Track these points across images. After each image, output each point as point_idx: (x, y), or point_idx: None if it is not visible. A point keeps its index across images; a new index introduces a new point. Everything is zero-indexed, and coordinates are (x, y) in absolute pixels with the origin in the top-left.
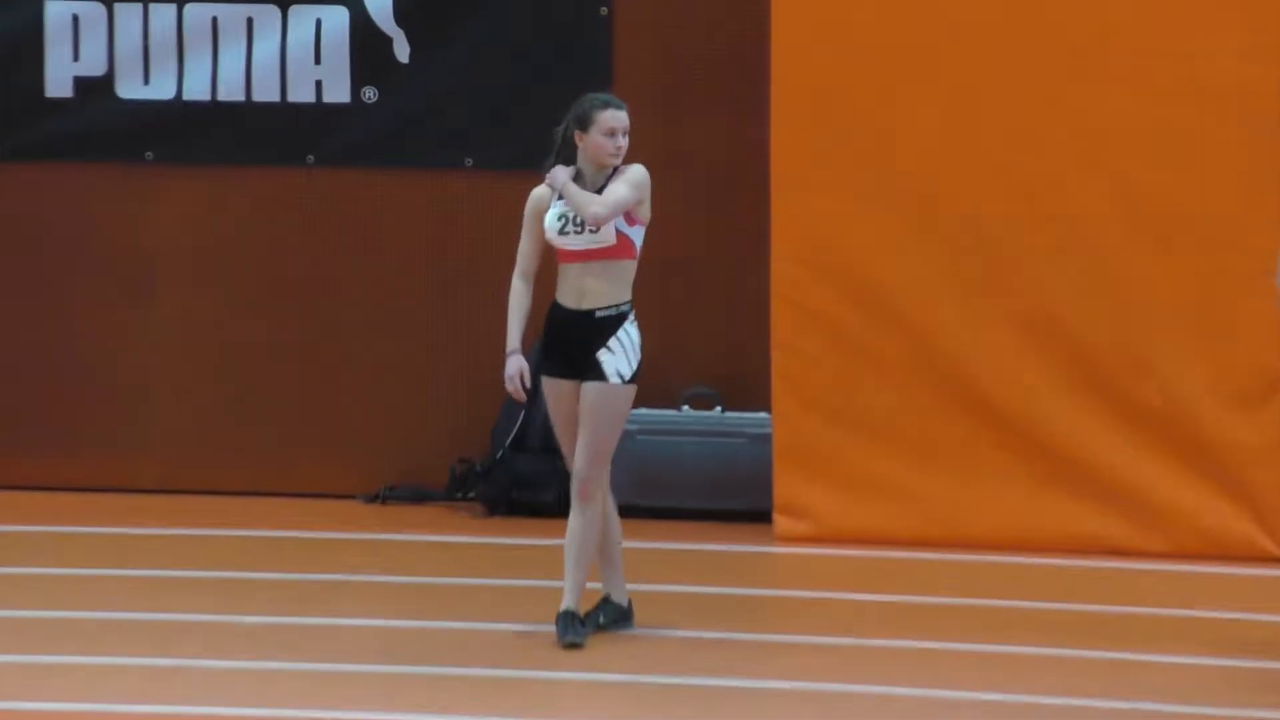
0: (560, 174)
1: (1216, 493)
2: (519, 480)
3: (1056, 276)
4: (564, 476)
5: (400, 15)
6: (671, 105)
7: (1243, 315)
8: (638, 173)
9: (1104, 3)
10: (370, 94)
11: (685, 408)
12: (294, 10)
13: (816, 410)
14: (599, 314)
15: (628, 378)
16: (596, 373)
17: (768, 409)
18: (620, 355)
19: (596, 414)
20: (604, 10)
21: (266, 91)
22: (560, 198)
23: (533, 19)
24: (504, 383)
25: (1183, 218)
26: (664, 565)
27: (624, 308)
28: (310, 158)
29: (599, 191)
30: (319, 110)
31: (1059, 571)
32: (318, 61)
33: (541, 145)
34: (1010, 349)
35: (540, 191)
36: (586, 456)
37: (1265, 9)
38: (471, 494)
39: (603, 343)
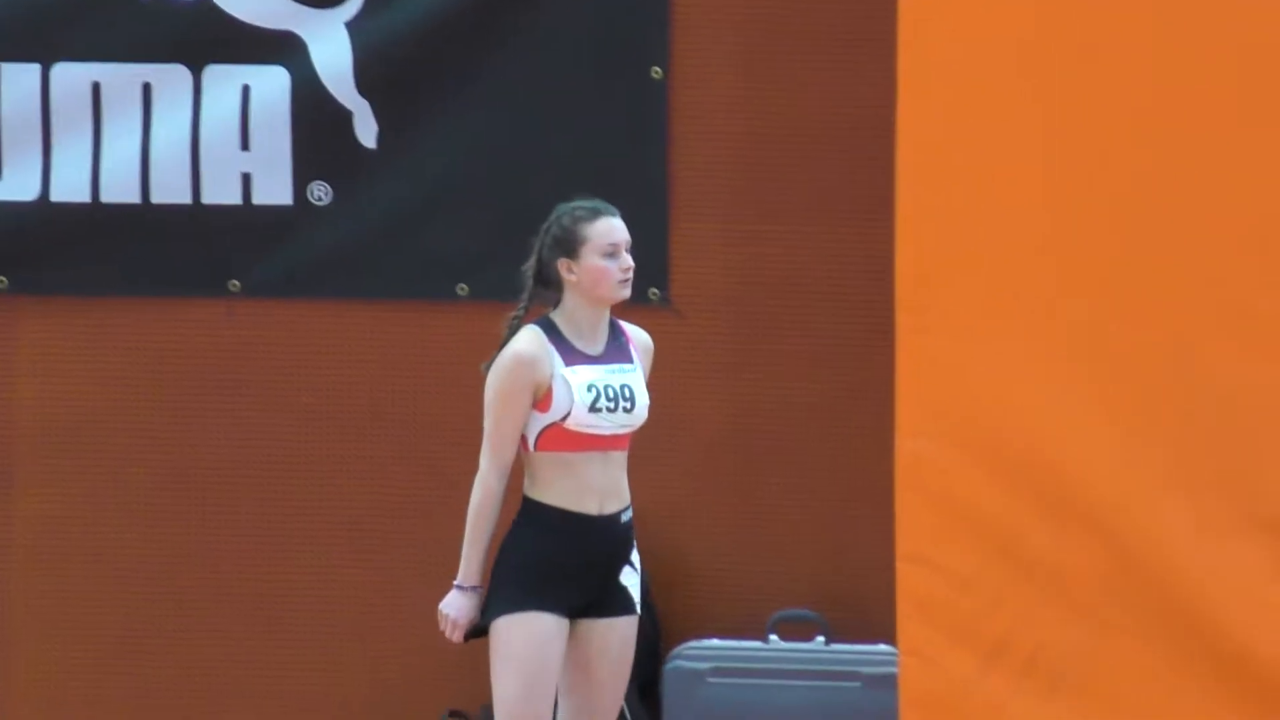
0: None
1: None
2: None
3: None
4: None
5: (365, 81)
6: (748, 205)
7: None
8: (650, 346)
9: None
10: (321, 193)
11: (774, 637)
12: (211, 72)
13: (964, 647)
14: (624, 518)
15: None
16: (622, 603)
17: (891, 640)
18: (637, 575)
19: (626, 663)
20: (657, 72)
21: (171, 189)
22: (565, 359)
23: (558, 85)
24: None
25: None
26: None
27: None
28: (234, 284)
29: (606, 355)
30: (248, 216)
31: None
32: (245, 146)
33: None
34: (1267, 572)
35: (533, 350)
36: None
37: None
38: None
39: (625, 559)
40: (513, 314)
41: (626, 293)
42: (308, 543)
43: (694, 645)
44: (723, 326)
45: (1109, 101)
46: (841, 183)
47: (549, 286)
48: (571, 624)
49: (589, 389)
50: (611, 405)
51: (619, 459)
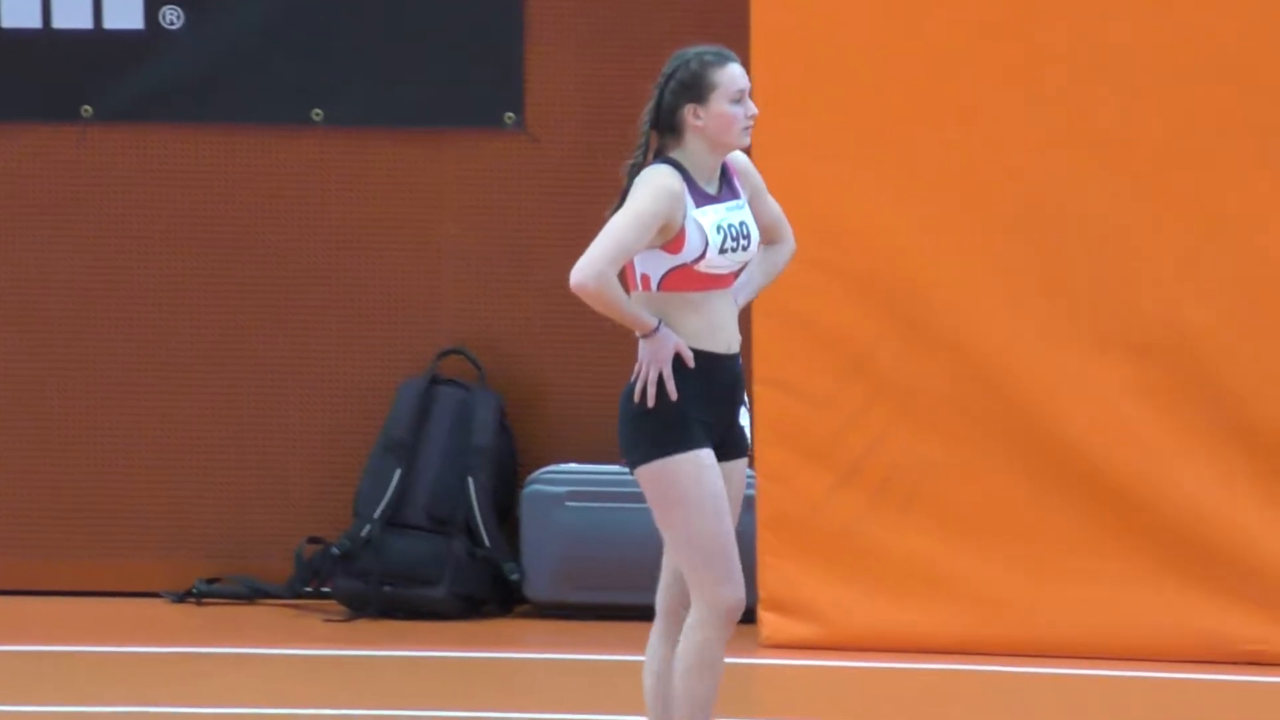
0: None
1: None
2: (395, 568)
3: (1187, 288)
4: (458, 562)
5: None
6: (605, 30)
7: None
8: (750, 166)
9: None
10: (174, 17)
11: None
12: None
13: (821, 468)
14: (739, 358)
15: None
16: (743, 444)
17: (748, 463)
18: (750, 414)
19: (739, 504)
20: None
21: (22, 14)
22: (695, 200)
23: None
24: (650, 369)
25: None
26: (605, 686)
27: None
28: (86, 110)
29: (722, 194)
30: (99, 41)
31: (1183, 688)
32: None
33: (425, 92)
34: (1116, 388)
35: (677, 187)
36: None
37: None
38: (326, 588)
39: (742, 399)
40: (630, 161)
41: (748, 140)
42: (160, 369)
43: (551, 470)
44: (578, 152)
45: None
46: (699, 9)
47: (666, 133)
48: None
49: (718, 230)
50: (734, 245)
51: (731, 294)
